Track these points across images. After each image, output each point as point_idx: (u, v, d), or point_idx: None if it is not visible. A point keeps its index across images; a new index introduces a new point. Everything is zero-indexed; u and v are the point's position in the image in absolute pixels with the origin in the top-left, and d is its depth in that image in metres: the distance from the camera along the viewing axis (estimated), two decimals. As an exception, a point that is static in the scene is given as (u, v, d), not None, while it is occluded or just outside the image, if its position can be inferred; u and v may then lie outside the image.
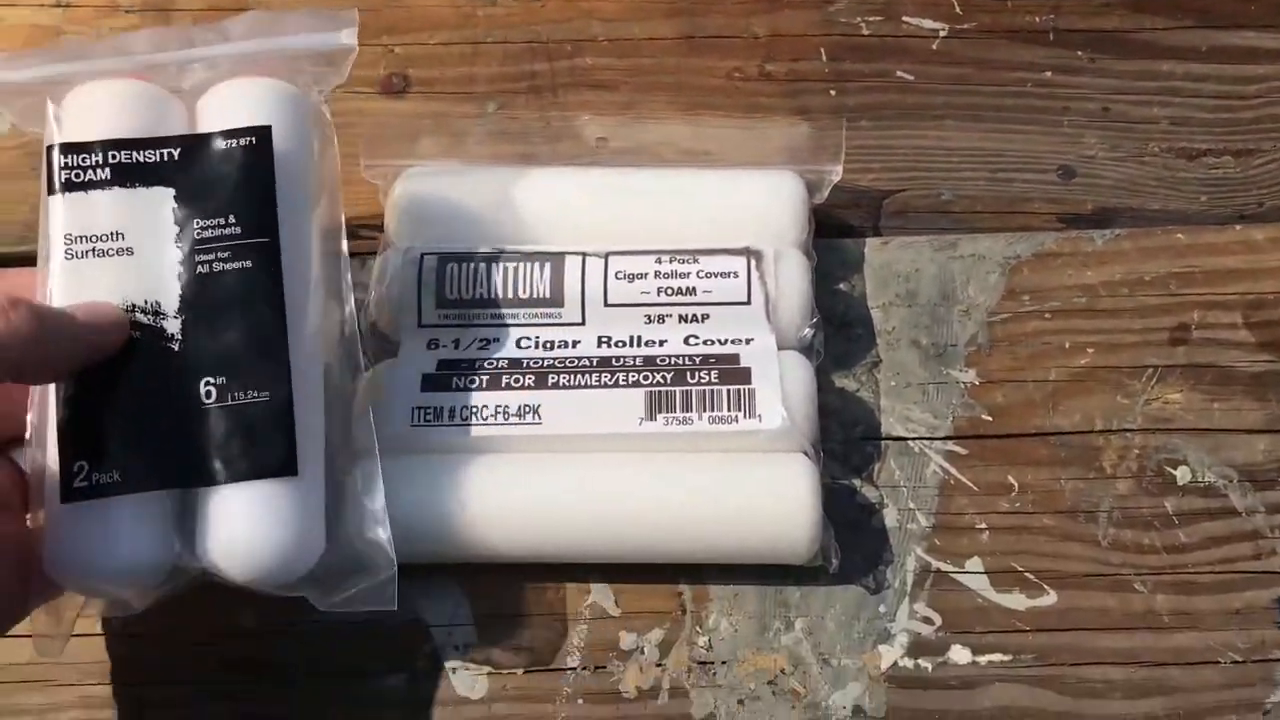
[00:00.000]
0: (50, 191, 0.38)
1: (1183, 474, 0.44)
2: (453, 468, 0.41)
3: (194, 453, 0.36)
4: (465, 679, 0.42)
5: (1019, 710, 0.41)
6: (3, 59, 0.40)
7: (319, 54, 0.40)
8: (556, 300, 0.44)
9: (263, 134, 0.38)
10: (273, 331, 0.37)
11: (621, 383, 0.42)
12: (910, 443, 0.45)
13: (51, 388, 0.37)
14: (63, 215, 0.37)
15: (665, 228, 0.46)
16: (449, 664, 0.42)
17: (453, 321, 0.44)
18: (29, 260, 0.43)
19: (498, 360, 0.43)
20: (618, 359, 0.43)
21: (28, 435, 0.38)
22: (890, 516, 0.44)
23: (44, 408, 0.37)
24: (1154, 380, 0.46)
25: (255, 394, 0.37)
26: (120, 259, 0.37)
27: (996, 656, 0.42)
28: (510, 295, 0.44)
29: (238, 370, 0.37)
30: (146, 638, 0.42)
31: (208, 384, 0.37)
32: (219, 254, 0.37)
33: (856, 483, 0.44)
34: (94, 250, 0.37)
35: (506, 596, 0.43)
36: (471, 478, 0.41)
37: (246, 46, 0.40)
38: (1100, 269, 0.48)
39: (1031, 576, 0.43)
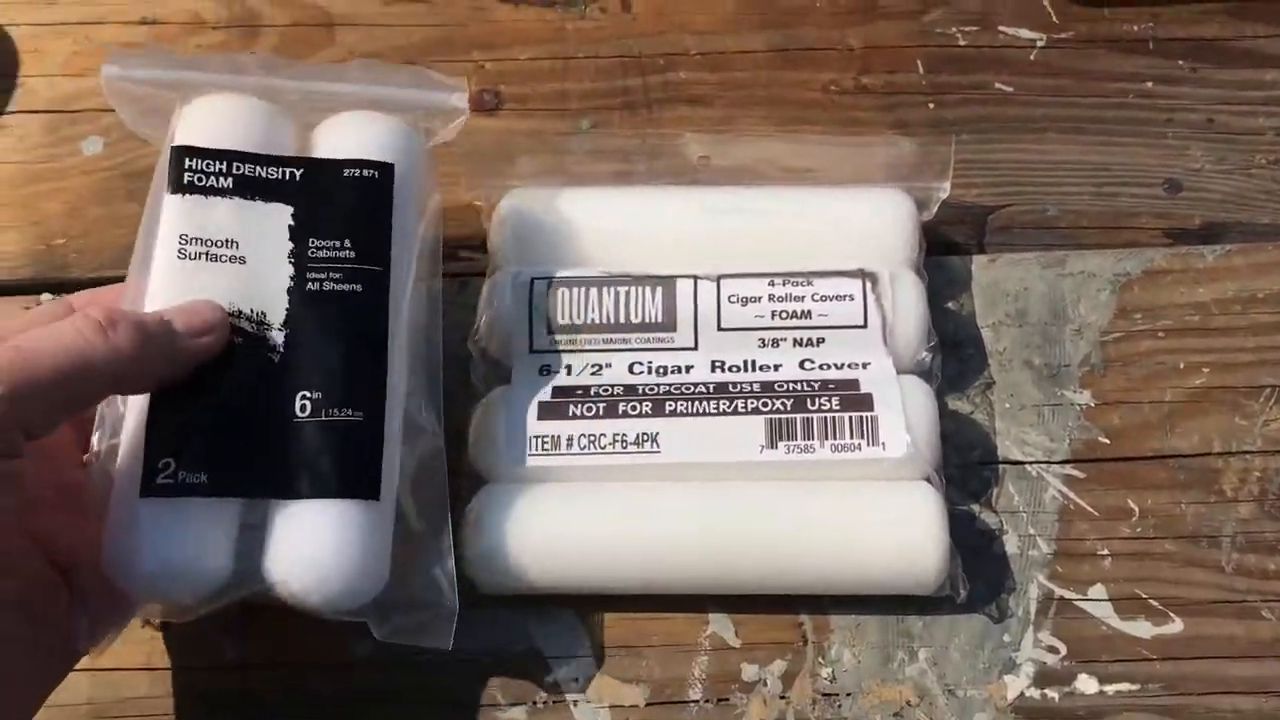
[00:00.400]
0: (168, 191, 0.38)
1: (1307, 497, 0.44)
2: (571, 497, 0.41)
3: (281, 464, 0.36)
4: (587, 712, 0.41)
5: (1148, 741, 0.41)
6: (127, 56, 0.41)
7: (430, 110, 0.42)
8: (669, 325, 0.43)
9: (386, 170, 0.40)
10: (373, 355, 0.37)
11: (741, 410, 0.41)
12: (1028, 467, 0.44)
13: None
14: (179, 215, 0.38)
15: (774, 248, 0.45)
16: (569, 697, 0.41)
17: (564, 347, 0.43)
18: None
19: (613, 387, 0.42)
20: (735, 385, 0.42)
21: (95, 422, 0.37)
22: (1011, 543, 0.43)
23: (118, 403, 0.37)
24: (1272, 400, 0.45)
25: (348, 413, 0.37)
26: (232, 265, 0.38)
27: (1124, 686, 0.41)
28: (622, 320, 0.43)
29: (334, 387, 0.37)
30: (249, 669, 0.42)
31: (303, 397, 0.37)
32: (331, 274, 0.38)
33: (975, 508, 0.44)
34: (207, 254, 0.37)
35: (624, 627, 0.42)
36: (590, 508, 0.41)
37: (363, 89, 0.41)
38: (1212, 286, 0.47)
39: (1156, 604, 0.42)
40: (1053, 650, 0.42)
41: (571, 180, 0.48)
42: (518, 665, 0.42)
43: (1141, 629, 0.42)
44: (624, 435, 0.41)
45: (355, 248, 0.38)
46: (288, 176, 0.39)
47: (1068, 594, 0.42)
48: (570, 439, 0.41)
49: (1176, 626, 0.42)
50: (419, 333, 0.41)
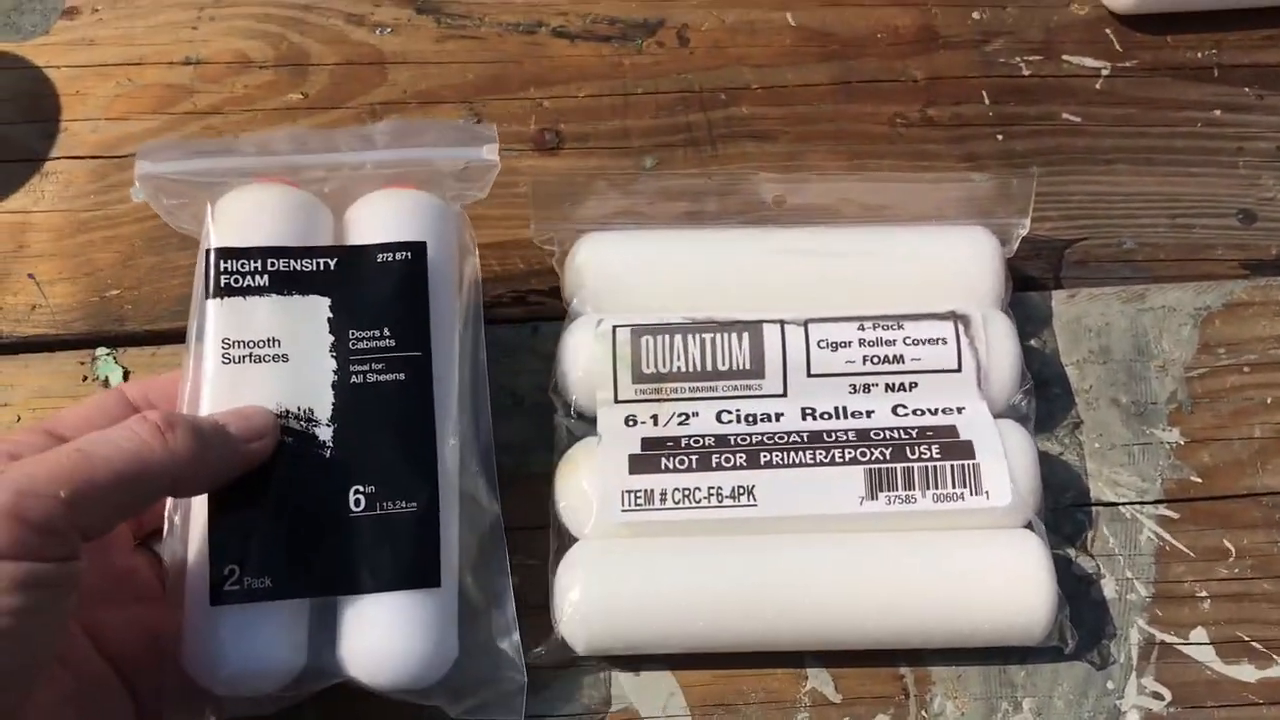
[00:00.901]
0: (208, 295, 0.38)
1: (1402, 533, 0.43)
2: (666, 554, 0.40)
3: (342, 561, 0.36)
4: (687, 774, 0.40)
5: (1260, 789, 0.40)
6: (149, 148, 0.40)
7: (462, 166, 0.41)
8: (757, 372, 0.42)
9: (418, 249, 0.39)
10: (422, 443, 0.37)
11: (838, 460, 0.40)
12: (1121, 508, 0.44)
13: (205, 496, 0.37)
14: (220, 319, 0.38)
15: (859, 290, 0.44)
16: (668, 758, 0.40)
17: (649, 396, 0.42)
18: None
19: (704, 438, 0.41)
20: (829, 433, 0.41)
21: (165, 529, 0.38)
22: (1109, 587, 0.42)
23: (187, 504, 0.37)
24: (1361, 434, 0.45)
25: (404, 504, 0.37)
26: (276, 365, 0.37)
27: (1232, 732, 0.40)
28: (709, 367, 0.42)
29: (387, 479, 0.37)
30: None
31: (357, 492, 0.37)
32: (373, 365, 0.38)
33: (1071, 552, 0.43)
34: (250, 355, 0.37)
35: (721, 685, 0.41)
36: (687, 564, 0.40)
37: (391, 155, 0.41)
38: (1294, 318, 0.47)
39: (1259, 646, 0.42)
40: (1158, 697, 0.41)
41: (642, 221, 0.47)
42: (613, 727, 0.41)
43: (1246, 673, 0.41)
44: (719, 489, 0.40)
45: (395, 335, 0.38)
46: (322, 267, 0.39)
47: (1169, 638, 0.42)
48: (664, 493, 0.40)
49: (1281, 669, 0.41)
50: (467, 407, 0.41)
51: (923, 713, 0.41)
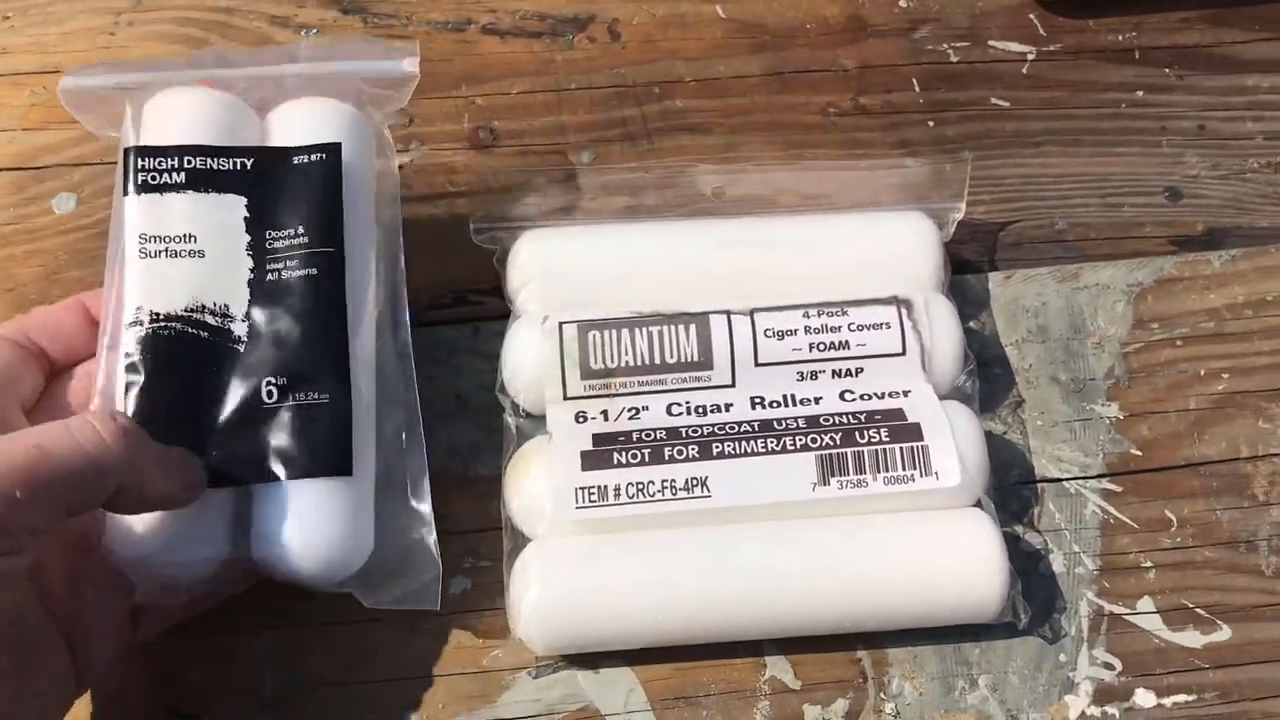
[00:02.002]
0: (125, 193, 0.38)
1: (1334, 496, 0.44)
2: (623, 549, 0.40)
3: (255, 451, 0.37)
4: (651, 769, 0.40)
5: (1211, 751, 0.41)
6: (80, 68, 0.41)
7: (382, 78, 0.42)
8: (705, 363, 0.42)
9: (333, 150, 0.40)
10: (334, 337, 0.38)
11: (789, 447, 0.40)
12: (1066, 484, 0.44)
13: (119, 391, 0.37)
14: (137, 215, 0.38)
15: (802, 278, 0.44)
16: (632, 754, 0.40)
17: (599, 392, 0.42)
18: None
19: (655, 431, 0.41)
20: (779, 421, 0.41)
21: None
22: (1057, 562, 0.43)
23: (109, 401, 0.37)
24: (1291, 402, 0.46)
25: (315, 395, 0.38)
26: (192, 260, 0.38)
27: (1181, 698, 0.41)
28: (657, 360, 0.42)
29: (299, 371, 0.38)
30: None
31: (269, 384, 0.38)
32: (288, 262, 0.39)
33: (1019, 529, 0.44)
34: (167, 250, 0.38)
35: (681, 678, 0.41)
36: (643, 559, 0.40)
37: (313, 68, 0.41)
38: (1222, 291, 0.48)
39: (1203, 612, 0.43)
40: (1109, 667, 0.42)
41: (582, 217, 0.46)
42: (575, 725, 0.40)
43: (1192, 639, 0.42)
44: (673, 481, 0.40)
45: (308, 233, 0.39)
46: (239, 167, 0.39)
47: (1117, 609, 0.43)
48: (617, 489, 0.40)
49: (1225, 634, 0.42)
50: (385, 305, 0.41)
51: (881, 695, 0.41)
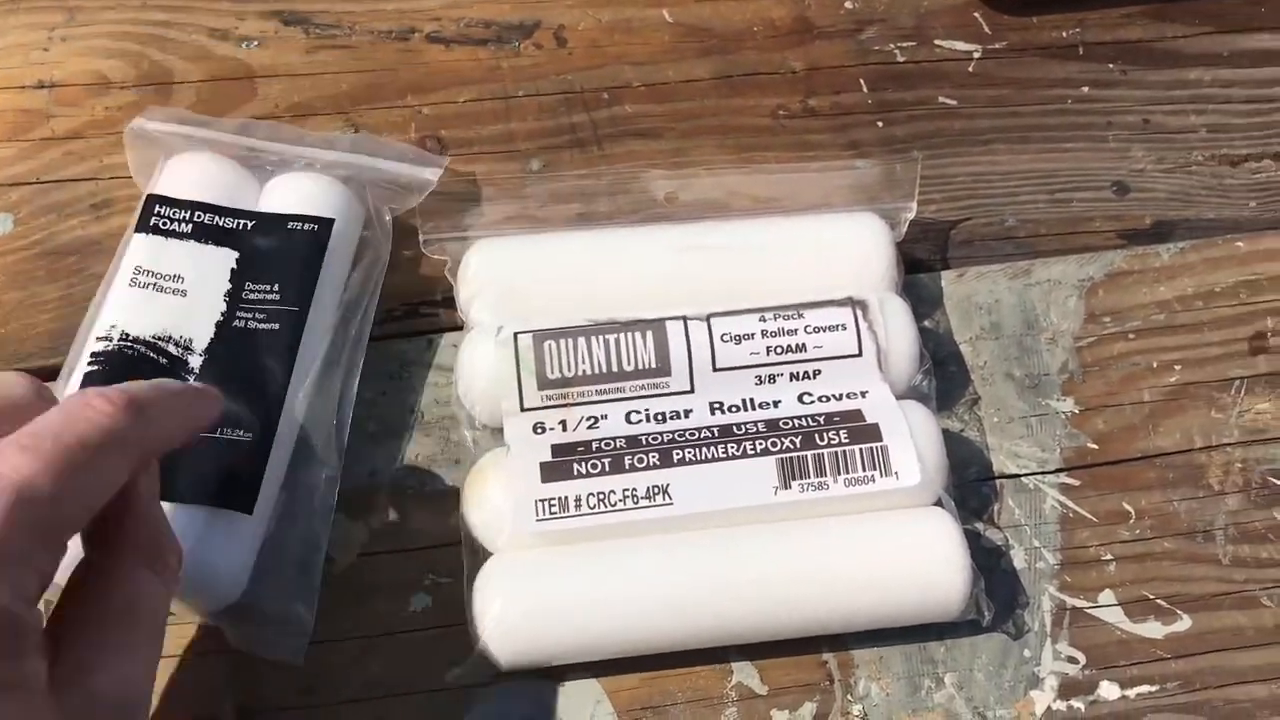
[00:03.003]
0: (136, 229, 0.43)
1: (1287, 483, 0.45)
2: (585, 561, 0.39)
3: (170, 469, 0.37)
4: (620, 781, 0.39)
5: (1175, 740, 0.41)
6: (151, 112, 0.46)
7: (405, 181, 0.46)
8: (663, 369, 0.42)
9: (326, 224, 0.44)
10: (276, 385, 0.41)
11: (750, 451, 0.40)
12: (1024, 479, 0.45)
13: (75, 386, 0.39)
14: (139, 250, 0.42)
15: (755, 282, 0.44)
16: (600, 767, 0.39)
17: (556, 402, 0.42)
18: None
19: (615, 440, 0.41)
20: (739, 426, 0.41)
21: None
22: (1018, 557, 0.43)
23: None
24: (1242, 392, 0.46)
25: (240, 433, 0.39)
26: (174, 297, 0.41)
27: (1144, 689, 0.42)
28: (615, 368, 0.42)
29: (234, 410, 0.39)
30: None
31: None
32: (256, 313, 0.42)
33: (980, 526, 0.44)
34: (155, 285, 0.42)
35: (648, 688, 0.41)
36: (606, 570, 0.39)
37: (347, 158, 0.46)
38: (1171, 283, 0.48)
39: (1163, 603, 0.43)
40: (1073, 660, 0.42)
41: (534, 225, 0.46)
42: (541, 740, 0.40)
43: (1153, 630, 0.42)
44: (634, 490, 0.39)
45: (281, 290, 0.42)
46: (240, 226, 0.43)
47: (1079, 603, 0.43)
48: (578, 499, 0.39)
49: (1185, 624, 0.43)
50: (335, 371, 0.43)
51: (848, 697, 0.41)
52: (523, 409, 0.41)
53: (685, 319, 0.42)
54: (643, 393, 0.42)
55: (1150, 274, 0.48)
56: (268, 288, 0.42)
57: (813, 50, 0.53)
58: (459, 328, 0.45)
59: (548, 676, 0.40)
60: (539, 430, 0.41)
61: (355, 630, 0.41)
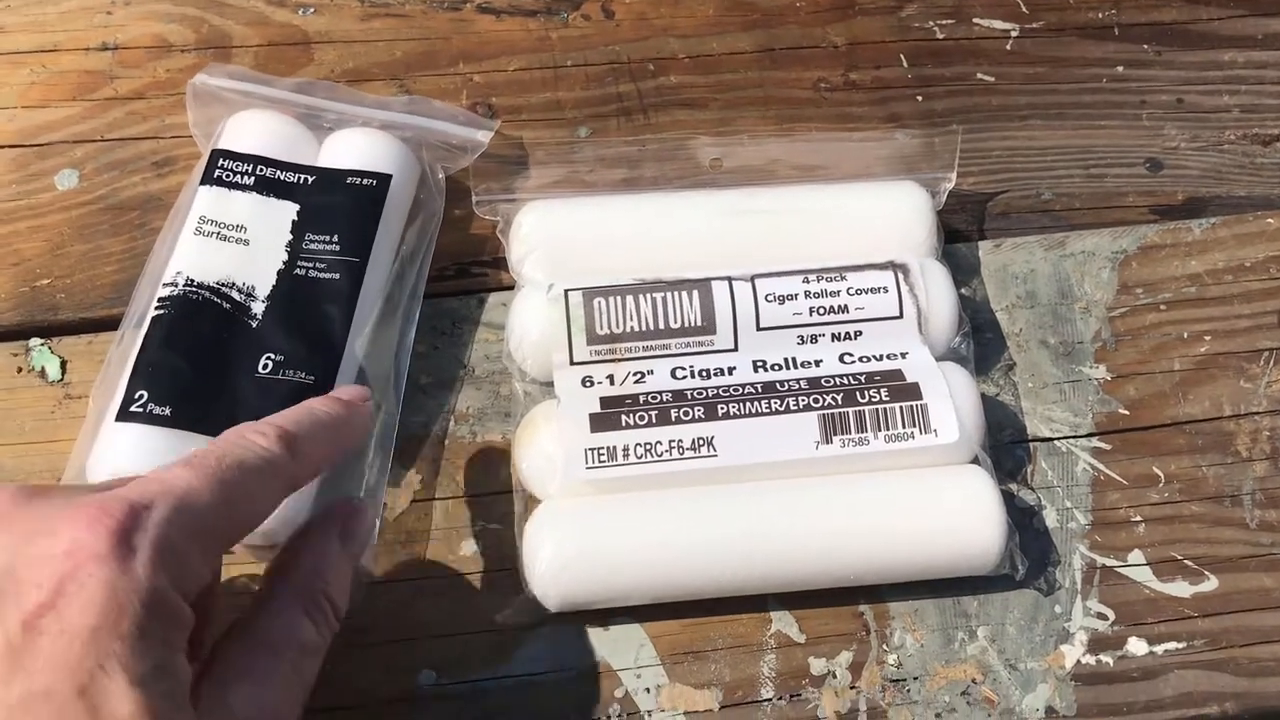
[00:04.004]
0: (201, 182, 0.44)
1: (1313, 451, 0.46)
2: (632, 508, 0.41)
3: (238, 411, 0.39)
4: (663, 721, 0.41)
5: (1201, 695, 0.42)
6: (211, 67, 0.48)
7: (458, 141, 0.48)
8: (708, 328, 0.43)
9: (384, 180, 0.46)
10: (337, 331, 0.42)
11: (792, 407, 0.41)
12: (1057, 443, 0.46)
13: (144, 331, 0.41)
14: (204, 201, 0.44)
15: (799, 246, 0.45)
16: (644, 708, 0.41)
17: (604, 357, 0.43)
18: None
19: (661, 394, 0.42)
20: (781, 383, 0.42)
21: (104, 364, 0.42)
22: (1050, 517, 0.44)
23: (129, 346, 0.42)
24: (1271, 363, 0.47)
25: (303, 375, 0.41)
26: (236, 246, 0.43)
27: (1171, 645, 0.43)
28: (661, 326, 0.43)
29: (296, 352, 0.41)
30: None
31: (268, 358, 0.41)
32: (316, 263, 0.43)
33: (1013, 487, 0.45)
34: (218, 234, 0.43)
35: (689, 633, 0.42)
36: (652, 517, 0.40)
37: (403, 118, 0.47)
38: (1203, 258, 0.49)
39: (1191, 564, 0.44)
40: (1102, 617, 0.43)
41: (582, 189, 0.47)
42: (587, 681, 0.41)
43: (1181, 589, 0.44)
44: (680, 441, 0.41)
45: (341, 242, 0.44)
46: (300, 181, 0.45)
47: (1109, 562, 0.44)
48: (626, 449, 0.41)
49: (1212, 584, 0.44)
50: (393, 320, 0.45)
51: (884, 646, 0.42)
52: (572, 363, 0.43)
53: (730, 279, 0.44)
54: (688, 350, 0.43)
55: (1182, 248, 0.50)
56: (327, 238, 0.44)
57: (854, 25, 0.54)
58: (508, 287, 0.47)
59: (593, 622, 0.42)
60: (588, 384, 0.42)
61: (407, 574, 0.42)
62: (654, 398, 0.42)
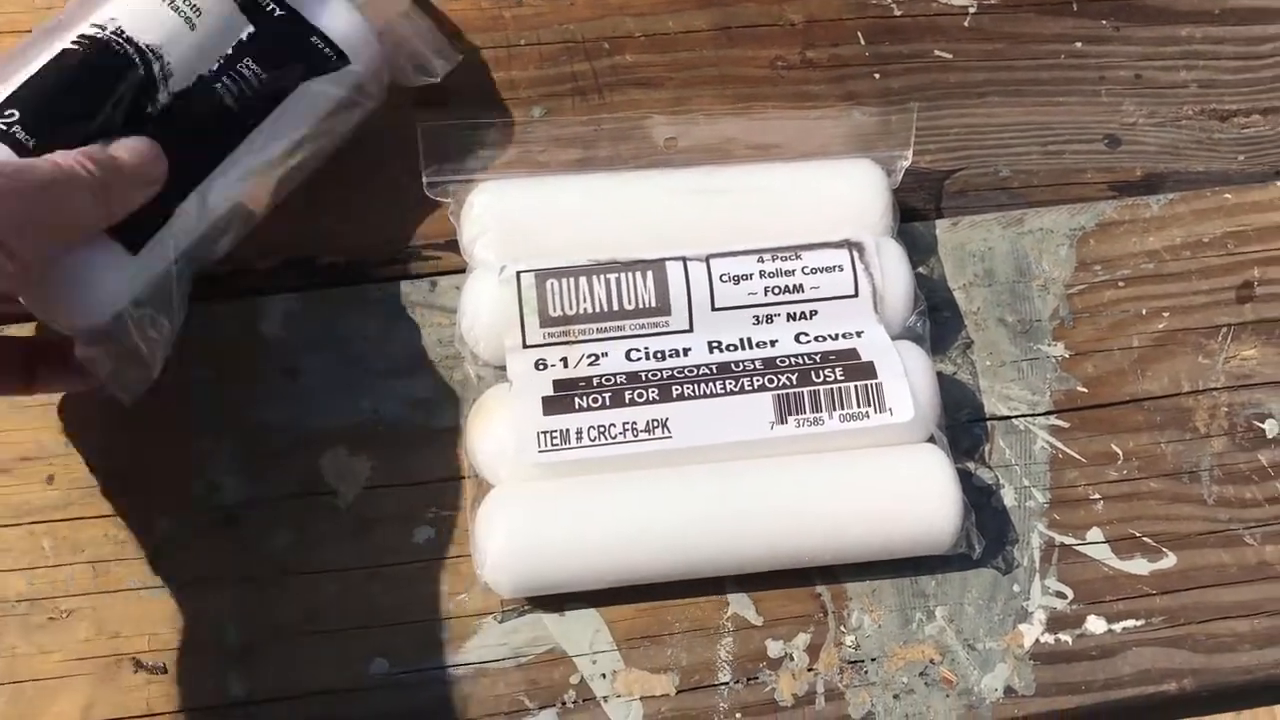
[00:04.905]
0: None
1: (1271, 427, 0.46)
2: (585, 492, 0.40)
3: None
4: (619, 708, 0.40)
5: (1159, 672, 0.42)
6: None
7: (422, 60, 0.47)
8: (663, 309, 0.43)
9: (343, 59, 0.44)
10: (214, 156, 0.41)
11: (747, 388, 0.41)
12: (1015, 421, 0.45)
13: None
14: None
15: (755, 225, 0.45)
16: (599, 693, 0.40)
17: (558, 340, 0.42)
18: None
19: (615, 376, 0.41)
20: (736, 364, 0.42)
21: None
22: (1008, 496, 0.44)
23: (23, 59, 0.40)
24: (1229, 339, 0.47)
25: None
26: (182, 22, 0.41)
27: (1130, 623, 0.43)
28: (615, 307, 0.43)
29: (171, 155, 0.40)
30: (257, 705, 0.40)
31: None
32: (237, 87, 0.42)
33: (971, 465, 0.45)
34: (171, 3, 0.41)
35: (645, 618, 0.42)
36: (607, 501, 0.40)
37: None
38: (1161, 234, 0.49)
39: (1149, 541, 0.44)
40: (1060, 595, 0.43)
41: (536, 170, 0.47)
42: (541, 668, 0.41)
43: (1139, 566, 0.43)
44: (634, 423, 0.40)
45: (267, 82, 0.42)
46: (270, 9, 0.43)
47: (1067, 540, 0.44)
48: (580, 432, 0.40)
49: (1170, 560, 0.44)
50: (267, 176, 0.43)
51: (841, 628, 0.42)
52: (525, 346, 0.42)
53: (685, 259, 0.43)
54: (643, 331, 0.43)
55: (1140, 224, 0.49)
56: (260, 69, 0.42)
57: (811, 3, 0.54)
58: (461, 270, 0.46)
59: (548, 607, 0.41)
60: (541, 366, 0.42)
61: (359, 562, 0.42)
62: (608, 380, 0.41)
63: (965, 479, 0.44)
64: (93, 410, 0.43)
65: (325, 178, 0.48)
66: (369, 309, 0.45)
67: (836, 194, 0.45)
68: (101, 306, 0.39)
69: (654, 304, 0.43)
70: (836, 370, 0.41)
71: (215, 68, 0.41)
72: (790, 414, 0.41)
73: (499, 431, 0.41)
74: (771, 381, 0.41)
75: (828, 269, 0.43)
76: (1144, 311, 0.48)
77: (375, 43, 0.45)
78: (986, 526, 0.43)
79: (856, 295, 0.43)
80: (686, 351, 0.42)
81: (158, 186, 0.39)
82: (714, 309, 0.43)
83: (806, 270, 0.43)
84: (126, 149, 0.38)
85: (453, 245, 0.46)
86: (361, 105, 0.45)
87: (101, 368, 0.39)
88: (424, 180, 0.46)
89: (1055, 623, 0.42)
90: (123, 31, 0.40)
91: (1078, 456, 0.45)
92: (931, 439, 0.42)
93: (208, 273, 0.43)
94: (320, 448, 0.43)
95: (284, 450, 0.43)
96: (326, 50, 0.43)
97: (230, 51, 0.42)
